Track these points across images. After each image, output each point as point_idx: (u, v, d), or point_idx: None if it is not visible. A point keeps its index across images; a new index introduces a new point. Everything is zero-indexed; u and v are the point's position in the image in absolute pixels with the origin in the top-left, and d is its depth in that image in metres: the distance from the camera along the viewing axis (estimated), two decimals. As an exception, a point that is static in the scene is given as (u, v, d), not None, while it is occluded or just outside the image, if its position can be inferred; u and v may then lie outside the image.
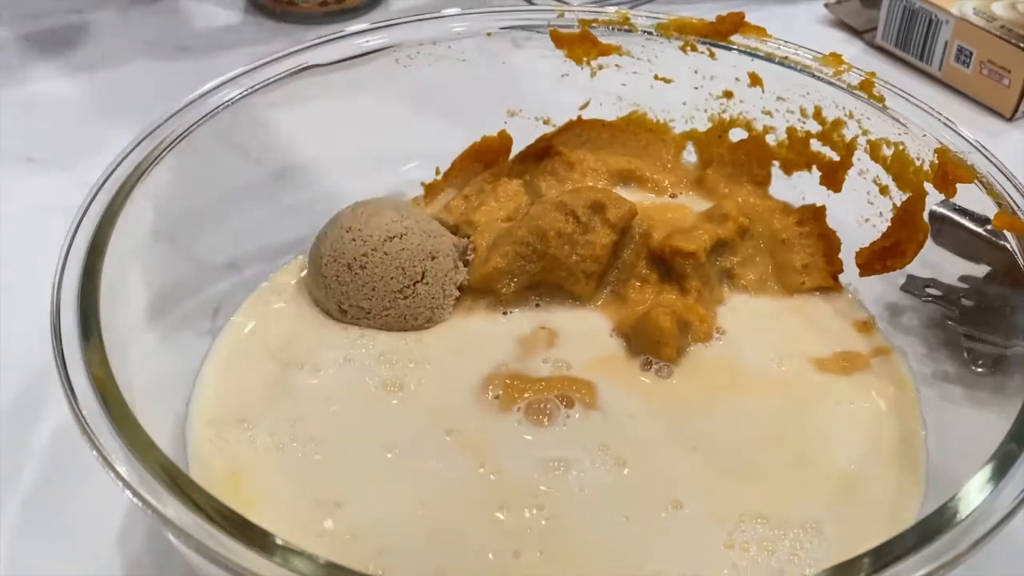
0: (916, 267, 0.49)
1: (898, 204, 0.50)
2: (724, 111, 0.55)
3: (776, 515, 0.41)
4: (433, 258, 0.48)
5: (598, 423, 0.44)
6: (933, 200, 0.48)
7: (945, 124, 0.48)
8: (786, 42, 0.53)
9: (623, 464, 0.42)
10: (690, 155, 0.57)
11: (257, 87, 0.50)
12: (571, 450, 0.43)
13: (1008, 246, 0.44)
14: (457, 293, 0.49)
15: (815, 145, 0.53)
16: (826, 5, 0.79)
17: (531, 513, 0.40)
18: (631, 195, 0.54)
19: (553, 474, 0.42)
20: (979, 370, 0.46)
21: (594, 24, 0.54)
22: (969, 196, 0.46)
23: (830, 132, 0.52)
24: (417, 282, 0.47)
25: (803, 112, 0.53)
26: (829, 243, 0.52)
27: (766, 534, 0.40)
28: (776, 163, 0.55)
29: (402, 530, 0.40)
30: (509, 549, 0.39)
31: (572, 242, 0.49)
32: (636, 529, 0.40)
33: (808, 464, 0.43)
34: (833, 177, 0.52)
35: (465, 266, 0.50)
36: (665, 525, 0.40)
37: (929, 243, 0.48)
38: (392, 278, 0.47)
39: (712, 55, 0.54)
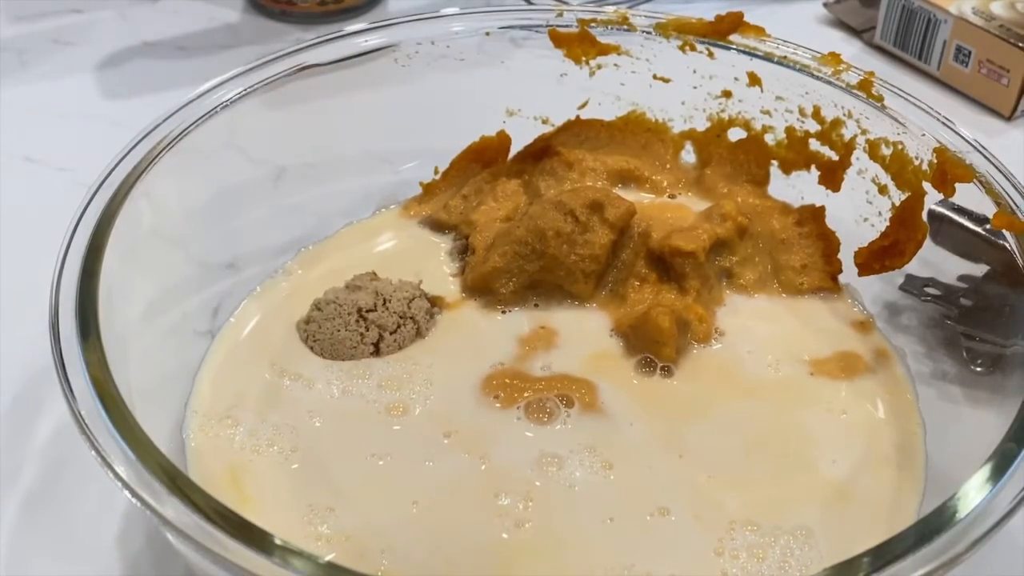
0: (915, 266, 0.49)
1: (897, 203, 0.50)
2: (723, 110, 0.55)
3: (767, 522, 0.40)
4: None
5: (594, 423, 0.44)
6: (932, 199, 0.48)
7: (944, 123, 0.48)
8: (785, 41, 0.53)
9: (610, 467, 0.42)
10: (689, 155, 0.57)
11: (257, 87, 0.50)
12: (565, 449, 0.43)
13: (1007, 245, 0.44)
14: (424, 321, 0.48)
15: (814, 144, 0.53)
16: (825, 4, 0.79)
17: (519, 507, 0.41)
18: (630, 195, 0.54)
19: (547, 471, 0.42)
20: (978, 369, 0.46)
21: (593, 24, 0.54)
22: (968, 195, 0.46)
23: (829, 131, 0.52)
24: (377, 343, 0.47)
25: (802, 111, 0.53)
26: (828, 243, 0.52)
27: (756, 541, 0.40)
28: (775, 162, 0.55)
29: (399, 528, 0.40)
30: (499, 537, 0.40)
31: (571, 242, 0.49)
32: (620, 532, 0.40)
33: (802, 469, 0.43)
34: (832, 176, 0.52)
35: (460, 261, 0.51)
36: (650, 530, 0.40)
37: (928, 242, 0.48)
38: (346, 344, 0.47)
39: (711, 55, 0.54)
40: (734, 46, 0.53)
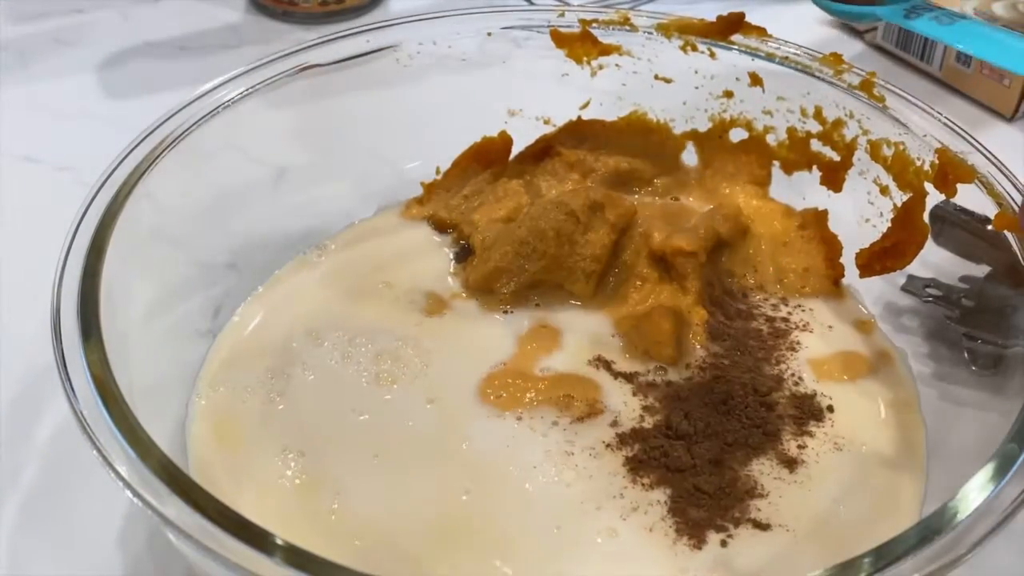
0: (916, 267, 0.49)
1: (898, 204, 0.50)
2: (724, 111, 0.55)
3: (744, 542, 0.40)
4: None
5: (584, 428, 0.44)
6: (934, 200, 0.48)
7: (945, 124, 0.48)
8: (786, 42, 0.53)
9: (577, 477, 0.42)
10: (690, 155, 0.57)
11: (257, 87, 0.50)
12: (542, 450, 0.43)
13: (1009, 246, 0.44)
14: None
15: (815, 145, 0.53)
16: (826, 5, 0.79)
17: (475, 487, 0.41)
18: (631, 195, 0.54)
19: (517, 463, 0.42)
20: (979, 370, 0.46)
21: (594, 24, 0.54)
22: (969, 196, 0.46)
23: (830, 132, 0.52)
24: None
25: (803, 112, 0.53)
26: (831, 248, 0.52)
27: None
28: (776, 163, 0.55)
29: (355, 475, 0.42)
30: (445, 506, 0.41)
31: (572, 242, 0.49)
32: (562, 541, 0.40)
33: (801, 470, 0.43)
34: (833, 177, 0.52)
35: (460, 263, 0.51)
36: (593, 548, 0.40)
37: (929, 243, 0.48)
38: None
39: (712, 55, 0.54)
40: (736, 46, 0.53)
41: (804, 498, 0.42)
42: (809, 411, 0.45)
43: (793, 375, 0.47)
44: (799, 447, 0.44)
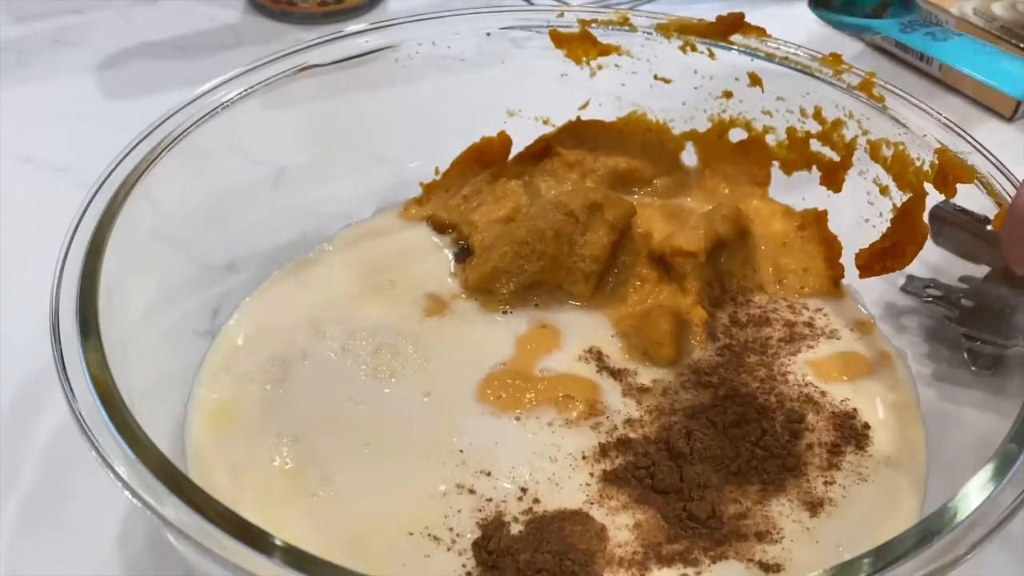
0: (916, 267, 0.49)
1: (898, 204, 0.50)
2: (724, 111, 0.55)
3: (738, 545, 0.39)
4: None
5: (579, 432, 0.44)
6: (933, 200, 0.48)
7: (945, 124, 0.48)
8: (786, 42, 0.53)
9: (558, 487, 0.41)
10: (690, 155, 0.57)
11: (257, 87, 0.50)
12: (529, 451, 0.43)
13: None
14: None
15: (815, 145, 0.53)
16: (826, 5, 0.79)
17: (456, 484, 0.42)
18: (630, 195, 0.54)
19: (497, 463, 0.42)
20: (979, 371, 0.45)
21: (593, 24, 0.54)
22: (969, 196, 0.46)
23: (830, 132, 0.52)
24: None
25: (803, 112, 0.53)
26: (830, 248, 0.52)
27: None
28: (776, 163, 0.55)
29: (342, 464, 0.42)
30: (427, 500, 0.41)
31: (571, 242, 0.49)
32: None
33: (800, 471, 0.42)
34: (833, 177, 0.52)
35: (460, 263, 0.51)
36: None
37: (929, 243, 0.48)
38: None
39: (712, 55, 0.54)
40: (735, 47, 0.53)
41: (813, 548, 0.40)
42: (850, 433, 0.44)
43: (819, 389, 0.46)
44: (826, 483, 0.42)
